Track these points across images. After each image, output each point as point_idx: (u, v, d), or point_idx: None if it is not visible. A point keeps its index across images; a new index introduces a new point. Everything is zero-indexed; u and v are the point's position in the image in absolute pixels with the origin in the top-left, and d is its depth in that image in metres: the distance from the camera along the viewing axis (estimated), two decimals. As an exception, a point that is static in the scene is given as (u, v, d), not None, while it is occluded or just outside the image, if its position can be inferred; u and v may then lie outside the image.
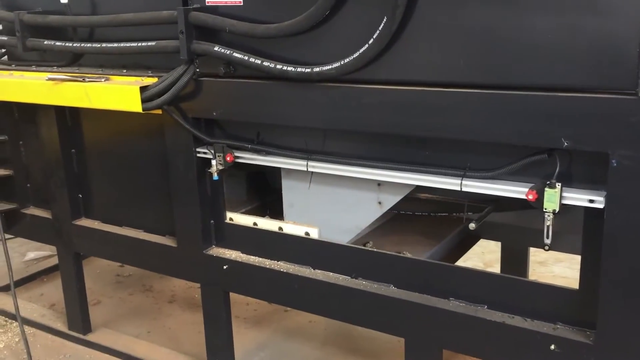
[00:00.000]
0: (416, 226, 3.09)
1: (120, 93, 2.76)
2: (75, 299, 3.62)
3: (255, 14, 2.44)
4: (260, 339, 3.66)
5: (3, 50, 3.66)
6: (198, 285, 4.29)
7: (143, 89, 2.71)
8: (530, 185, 2.05)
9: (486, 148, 2.17)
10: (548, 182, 1.99)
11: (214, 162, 2.73)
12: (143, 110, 2.72)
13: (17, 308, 3.46)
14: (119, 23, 2.77)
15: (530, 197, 2.02)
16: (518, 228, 3.11)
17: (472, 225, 2.59)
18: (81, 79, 2.90)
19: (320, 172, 2.53)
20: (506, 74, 1.98)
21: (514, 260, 3.44)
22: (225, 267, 2.86)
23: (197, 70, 2.64)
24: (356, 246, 2.66)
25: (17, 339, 3.77)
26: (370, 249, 2.65)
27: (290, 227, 2.77)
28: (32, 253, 5.13)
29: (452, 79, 2.08)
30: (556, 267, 4.53)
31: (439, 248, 2.84)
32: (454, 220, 3.12)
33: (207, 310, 3.04)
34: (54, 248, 4.94)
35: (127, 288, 4.44)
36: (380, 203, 2.62)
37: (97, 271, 4.72)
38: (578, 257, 4.48)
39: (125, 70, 2.96)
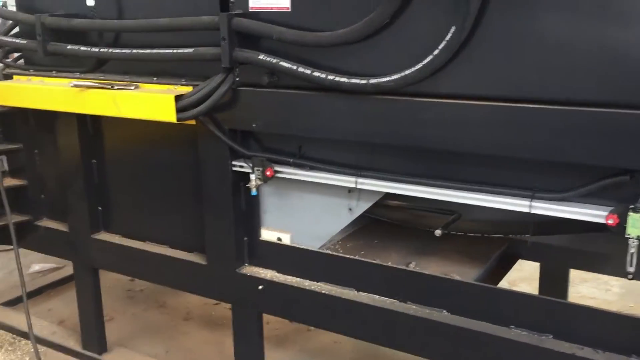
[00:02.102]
0: (454, 245, 2.95)
1: (153, 102, 2.61)
2: (91, 317, 3.44)
3: (302, 21, 2.31)
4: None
5: (16, 54, 3.51)
6: (213, 301, 4.19)
7: (178, 98, 2.56)
8: (610, 208, 1.92)
9: (556, 168, 2.03)
10: (632, 206, 1.85)
11: (252, 176, 2.57)
12: (177, 120, 2.57)
13: (30, 326, 3.29)
14: (154, 28, 2.62)
15: (610, 221, 1.88)
16: (559, 249, 2.99)
17: (437, 232, 2.53)
18: (109, 87, 2.74)
19: (369, 189, 2.38)
20: (587, 90, 1.85)
21: (553, 281, 3.31)
22: (260, 287, 2.70)
23: (237, 79, 2.50)
24: (403, 268, 2.52)
25: (27, 358, 3.58)
26: (418, 270, 2.50)
27: (264, 233, 2.78)
28: (36, 265, 4.94)
29: (524, 94, 1.95)
30: (582, 287, 4.41)
31: (485, 270, 2.71)
32: (489, 240, 2.99)
33: (238, 331, 2.87)
34: (59, 260, 4.82)
35: (140, 304, 4.27)
36: (350, 209, 2.57)
37: (107, 285, 4.51)
38: (604, 277, 4.40)
39: (155, 78, 2.80)
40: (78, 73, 3.06)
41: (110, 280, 4.56)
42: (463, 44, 1.98)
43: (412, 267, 2.65)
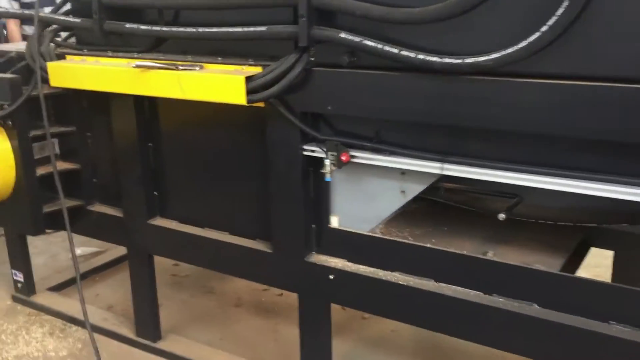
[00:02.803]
0: (528, 234, 2.81)
1: (221, 83, 2.49)
2: (146, 304, 3.37)
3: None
4: (343, 349, 3.40)
5: (65, 33, 3.39)
6: (263, 287, 4.10)
7: (248, 79, 2.44)
8: None
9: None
10: None
11: (327, 162, 2.45)
12: (248, 103, 2.45)
13: (85, 313, 3.20)
14: (221, 5, 2.49)
15: None
16: (635, 236, 2.85)
17: (501, 216, 2.41)
18: (174, 67, 2.63)
19: (457, 175, 2.25)
20: None
21: (627, 270, 3.16)
22: (331, 276, 2.60)
23: (311, 59, 2.37)
24: (486, 257, 2.39)
25: (79, 345, 3.52)
26: (502, 260, 2.37)
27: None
28: (78, 249, 4.85)
29: (642, 73, 1.80)
30: (642, 275, 4.25)
31: (566, 260, 2.58)
32: (562, 228, 2.85)
33: (305, 321, 2.78)
34: (101, 243, 4.75)
35: (186, 290, 4.19)
36: (403, 192, 2.46)
37: (151, 270, 4.46)
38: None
39: (220, 58, 2.67)
40: (135, 53, 2.94)
41: (154, 266, 4.50)
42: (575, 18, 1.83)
43: (490, 256, 2.53)
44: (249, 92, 2.44)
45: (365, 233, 2.59)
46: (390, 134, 2.40)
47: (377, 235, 2.58)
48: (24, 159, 3.18)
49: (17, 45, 3.84)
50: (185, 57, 2.76)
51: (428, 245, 2.46)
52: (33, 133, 3.22)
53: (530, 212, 2.62)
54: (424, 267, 2.45)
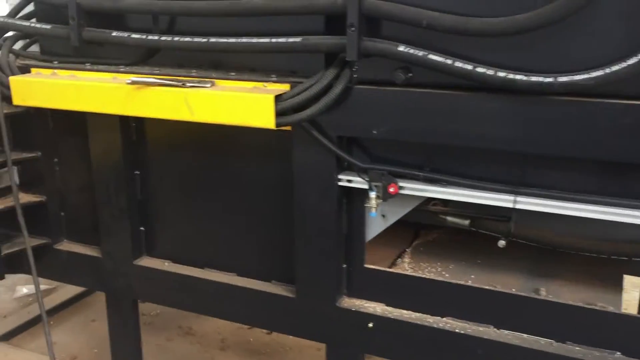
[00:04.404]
0: (565, 263, 2.59)
1: (243, 104, 2.11)
2: (129, 357, 2.88)
3: (445, 4, 1.86)
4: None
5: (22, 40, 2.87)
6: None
7: (277, 99, 2.08)
8: None
9: None
10: None
11: (372, 194, 2.11)
12: (277, 126, 2.09)
13: (57, 373, 2.71)
14: (247, 12, 2.09)
15: None
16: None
17: (501, 243, 2.26)
18: (180, 84, 2.21)
19: (530, 209, 1.97)
20: None
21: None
22: (370, 324, 2.26)
23: (355, 76, 2.03)
24: (553, 300, 2.13)
25: (44, 409, 2.99)
26: (567, 302, 2.11)
27: None
28: (24, 288, 4.27)
29: None
30: None
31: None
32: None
33: (335, 376, 2.42)
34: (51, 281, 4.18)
35: (161, 331, 3.71)
36: (384, 216, 2.26)
37: (115, 309, 3.94)
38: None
39: (233, 73, 2.29)
40: (122, 66, 2.50)
41: (119, 304, 3.98)
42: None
43: (543, 294, 2.28)
44: (278, 113, 2.08)
45: (406, 273, 2.29)
46: (441, 161, 2.10)
47: (421, 275, 2.27)
48: (-21, 192, 2.65)
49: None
50: (188, 71, 2.36)
51: (482, 287, 2.18)
52: (-11, 160, 2.70)
53: (601, 247, 2.37)
54: (480, 311, 2.16)
